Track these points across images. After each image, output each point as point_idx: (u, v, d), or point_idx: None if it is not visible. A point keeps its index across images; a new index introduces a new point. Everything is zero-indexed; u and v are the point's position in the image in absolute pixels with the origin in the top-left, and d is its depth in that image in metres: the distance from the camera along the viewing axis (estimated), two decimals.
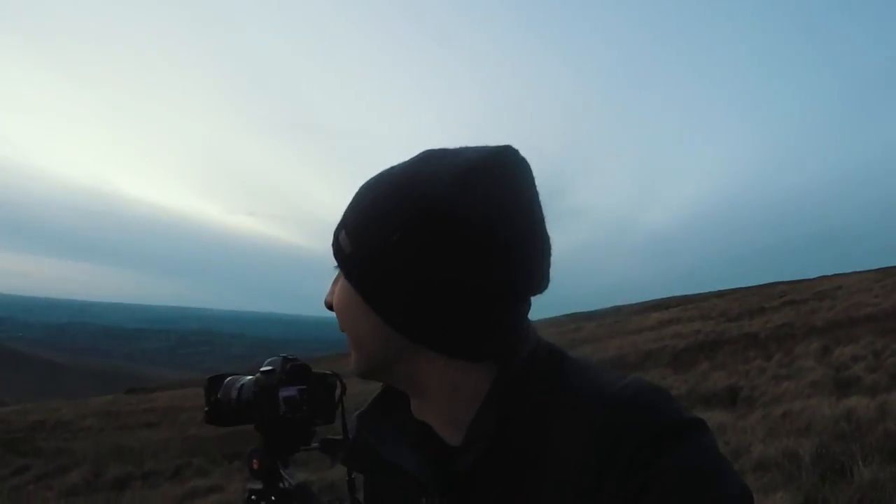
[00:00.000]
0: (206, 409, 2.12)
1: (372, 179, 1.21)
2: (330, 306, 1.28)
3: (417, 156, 1.19)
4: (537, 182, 1.18)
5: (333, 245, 1.22)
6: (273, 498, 2.06)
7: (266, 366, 2.03)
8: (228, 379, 2.14)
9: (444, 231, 1.08)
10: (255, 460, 2.07)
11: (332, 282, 1.29)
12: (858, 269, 56.41)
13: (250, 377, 2.07)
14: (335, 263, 1.23)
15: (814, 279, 57.69)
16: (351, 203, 1.21)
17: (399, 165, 1.19)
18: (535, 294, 1.18)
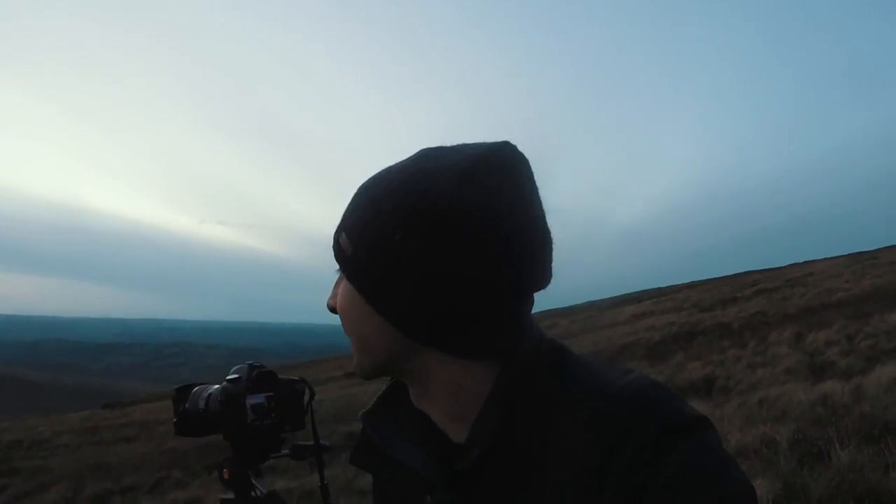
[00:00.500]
0: (175, 420, 2.09)
1: (369, 180, 1.20)
2: (333, 309, 1.26)
3: (415, 154, 1.18)
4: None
5: (334, 247, 1.20)
6: None
7: (232, 374, 2.00)
8: (196, 389, 2.11)
9: (447, 226, 1.07)
10: (225, 470, 2.04)
11: (333, 284, 1.27)
12: (829, 256, 57.00)
13: (217, 386, 2.04)
14: (336, 266, 1.22)
15: (785, 267, 58.27)
16: (350, 204, 1.20)
17: (396, 165, 1.18)
18: (538, 289, 1.17)
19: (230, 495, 2.07)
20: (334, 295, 1.25)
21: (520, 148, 1.17)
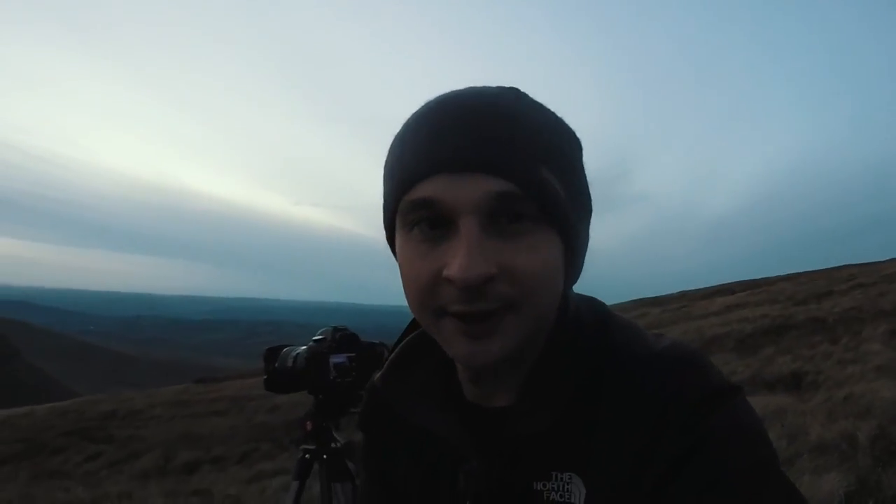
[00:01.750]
0: (265, 377, 2.31)
1: (517, 103, 1.05)
2: (487, 278, 0.99)
3: (511, 88, 1.07)
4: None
5: (534, 186, 0.99)
6: (325, 456, 2.25)
7: (318, 335, 2.23)
8: (286, 349, 2.34)
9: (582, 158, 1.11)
10: (308, 422, 2.27)
11: (472, 246, 0.98)
12: None
13: (304, 347, 2.27)
14: (529, 209, 1.00)
15: (883, 262, 56.64)
16: (524, 131, 1.01)
17: (519, 94, 1.07)
18: None
19: (312, 445, 2.29)
20: (496, 261, 0.99)
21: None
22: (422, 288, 1.03)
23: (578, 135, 1.11)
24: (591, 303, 1.21)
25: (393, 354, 1.30)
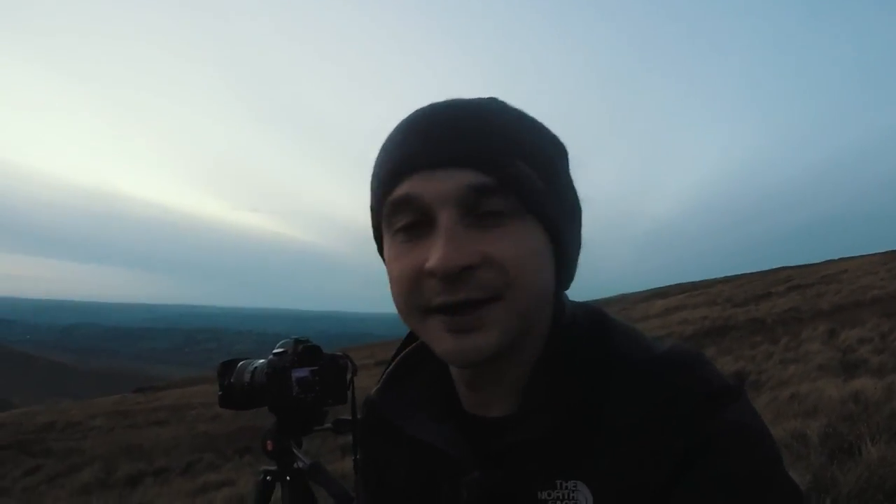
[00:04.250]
0: (220, 393, 2.18)
1: (491, 106, 1.07)
2: (468, 267, 0.99)
3: (491, 98, 1.09)
4: None
5: (510, 175, 1.00)
6: (288, 478, 2.13)
7: (278, 348, 2.10)
8: (241, 363, 2.20)
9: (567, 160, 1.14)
10: (268, 441, 2.14)
11: (449, 238, 0.98)
12: (864, 253, 56.39)
13: (262, 360, 2.14)
14: (507, 200, 1.00)
15: (819, 264, 57.72)
16: (504, 130, 1.04)
17: (498, 100, 1.09)
18: None
19: (273, 466, 2.17)
20: (489, 241, 1.00)
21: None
22: (405, 286, 1.04)
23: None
24: (588, 308, 1.19)
25: (390, 367, 1.30)
